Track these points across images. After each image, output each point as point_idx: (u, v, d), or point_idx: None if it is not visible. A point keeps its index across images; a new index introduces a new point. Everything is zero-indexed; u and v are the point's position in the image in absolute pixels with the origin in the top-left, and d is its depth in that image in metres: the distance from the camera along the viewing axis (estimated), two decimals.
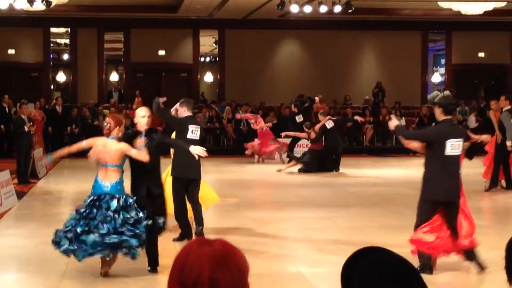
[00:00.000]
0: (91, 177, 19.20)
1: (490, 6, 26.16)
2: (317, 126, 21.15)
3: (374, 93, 30.36)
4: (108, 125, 8.77)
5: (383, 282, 2.21)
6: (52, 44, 31.40)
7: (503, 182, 16.65)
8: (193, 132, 10.65)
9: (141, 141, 8.88)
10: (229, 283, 2.26)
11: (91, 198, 8.64)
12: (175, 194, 10.62)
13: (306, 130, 21.37)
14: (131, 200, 8.65)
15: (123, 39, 30.92)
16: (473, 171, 17.82)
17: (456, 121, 27.91)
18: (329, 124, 20.98)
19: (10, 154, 23.66)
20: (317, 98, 26.49)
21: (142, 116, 9.03)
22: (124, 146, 8.69)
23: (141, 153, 8.67)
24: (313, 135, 21.04)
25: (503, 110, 16.57)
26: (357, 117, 22.76)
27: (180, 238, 10.63)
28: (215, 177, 18.24)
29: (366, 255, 2.32)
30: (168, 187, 10.56)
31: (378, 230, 12.06)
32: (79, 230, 8.45)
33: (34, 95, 27.06)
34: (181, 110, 10.84)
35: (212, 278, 2.25)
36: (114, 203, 8.56)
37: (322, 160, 20.88)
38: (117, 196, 8.63)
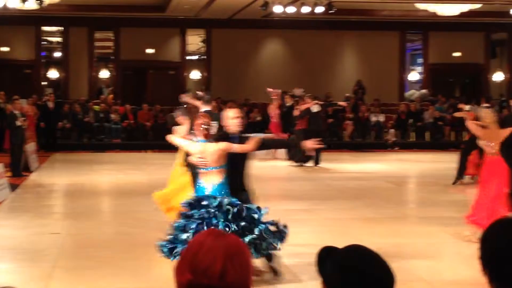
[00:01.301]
0: (82, 170, 20.04)
1: (465, 8, 26.37)
2: (303, 106, 21.28)
3: (355, 91, 31.01)
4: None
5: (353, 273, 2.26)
6: (44, 42, 31.45)
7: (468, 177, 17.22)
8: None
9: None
10: (237, 278, 2.29)
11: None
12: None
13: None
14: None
15: (112, 38, 31.02)
16: (445, 165, 18.77)
17: (433, 118, 28.88)
18: (315, 108, 21.17)
19: (2, 148, 23.68)
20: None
21: (231, 118, 8.51)
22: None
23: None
24: (296, 113, 21.24)
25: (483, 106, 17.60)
26: (341, 103, 23.12)
27: None
28: None
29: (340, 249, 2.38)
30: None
31: (358, 222, 12.30)
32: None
33: (26, 91, 27.08)
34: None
35: (223, 270, 2.27)
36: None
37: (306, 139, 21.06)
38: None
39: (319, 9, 25.08)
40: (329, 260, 2.32)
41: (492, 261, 2.36)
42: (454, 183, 17.10)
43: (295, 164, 21.21)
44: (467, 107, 17.26)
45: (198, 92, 11.52)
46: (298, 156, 20.94)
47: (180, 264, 2.34)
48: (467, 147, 17.16)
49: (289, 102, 22.28)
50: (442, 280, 8.73)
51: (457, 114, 18.14)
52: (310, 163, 21.20)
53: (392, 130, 28.37)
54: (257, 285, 8.28)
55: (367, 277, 2.26)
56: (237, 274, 2.29)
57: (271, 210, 13.40)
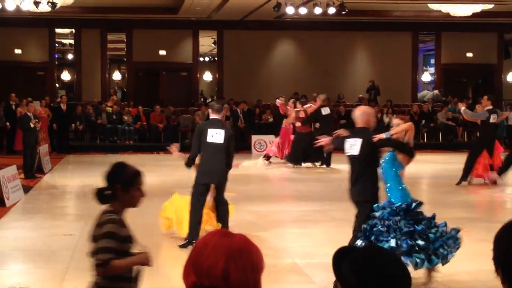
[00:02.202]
0: (95, 172, 19.99)
1: (478, 8, 26.25)
2: (311, 109, 20.69)
3: (368, 89, 30.98)
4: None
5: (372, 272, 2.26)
6: (57, 44, 31.59)
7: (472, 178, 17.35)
8: (214, 135, 10.07)
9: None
10: (241, 278, 2.25)
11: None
12: (194, 199, 10.22)
13: (296, 107, 20.85)
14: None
15: (125, 40, 31.10)
16: (457, 166, 18.69)
17: (446, 119, 28.80)
18: (325, 111, 20.83)
19: (13, 150, 24.11)
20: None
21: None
22: None
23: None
24: (302, 114, 20.56)
25: (485, 109, 17.28)
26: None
27: (185, 245, 9.99)
28: None
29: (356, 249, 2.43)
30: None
31: None
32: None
33: (40, 93, 27.34)
34: (210, 114, 10.59)
35: (225, 271, 2.23)
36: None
37: (306, 145, 19.88)
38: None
39: (331, 10, 25.03)
40: (346, 260, 2.31)
41: (505, 261, 2.36)
42: (458, 184, 17.15)
43: (309, 165, 21.04)
44: (462, 108, 17.37)
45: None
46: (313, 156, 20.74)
47: (186, 265, 2.31)
48: (476, 149, 17.19)
49: (291, 106, 21.58)
50: (455, 281, 8.72)
51: (467, 118, 18.14)
52: (318, 163, 21.06)
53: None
54: (268, 284, 8.28)
55: (384, 277, 2.26)
56: (241, 275, 2.25)
57: (285, 211, 13.78)
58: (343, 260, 2.32)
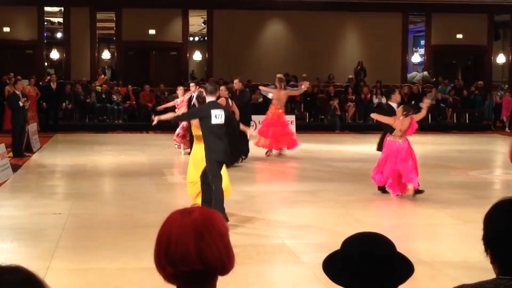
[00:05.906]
0: (84, 151, 20.04)
1: None
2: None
3: (356, 72, 31.10)
4: None
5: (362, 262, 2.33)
6: (46, 23, 31.34)
7: None
8: (217, 116, 10.25)
9: None
10: (214, 252, 2.29)
11: None
12: (218, 179, 10.34)
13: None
14: None
15: (114, 18, 30.91)
16: (446, 147, 18.81)
17: (435, 100, 28.84)
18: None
19: (1, 129, 24.07)
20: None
21: None
22: None
23: None
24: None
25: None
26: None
27: None
28: None
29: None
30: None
31: (359, 203, 12.39)
32: None
33: (28, 71, 27.10)
34: (206, 96, 10.60)
35: (199, 251, 2.27)
36: None
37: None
38: None
39: None
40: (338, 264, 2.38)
41: (494, 242, 2.42)
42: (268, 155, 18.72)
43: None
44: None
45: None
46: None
47: (157, 259, 2.34)
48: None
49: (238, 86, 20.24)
50: (443, 262, 8.73)
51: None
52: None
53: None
54: (256, 264, 8.31)
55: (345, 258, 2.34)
56: (213, 249, 2.29)
57: (274, 192, 13.81)
58: (334, 266, 2.40)
